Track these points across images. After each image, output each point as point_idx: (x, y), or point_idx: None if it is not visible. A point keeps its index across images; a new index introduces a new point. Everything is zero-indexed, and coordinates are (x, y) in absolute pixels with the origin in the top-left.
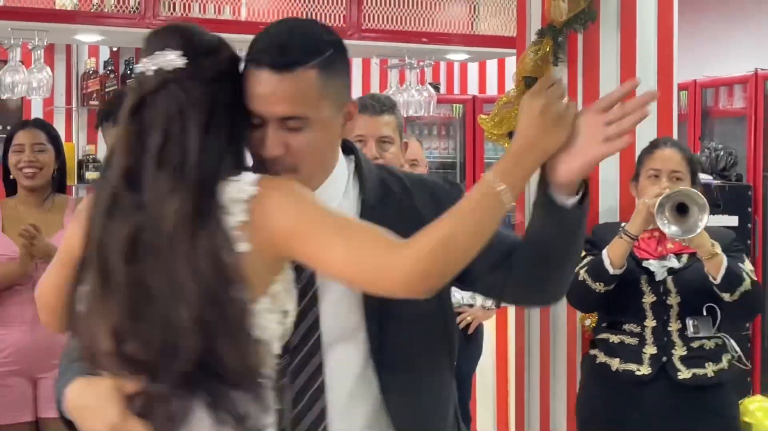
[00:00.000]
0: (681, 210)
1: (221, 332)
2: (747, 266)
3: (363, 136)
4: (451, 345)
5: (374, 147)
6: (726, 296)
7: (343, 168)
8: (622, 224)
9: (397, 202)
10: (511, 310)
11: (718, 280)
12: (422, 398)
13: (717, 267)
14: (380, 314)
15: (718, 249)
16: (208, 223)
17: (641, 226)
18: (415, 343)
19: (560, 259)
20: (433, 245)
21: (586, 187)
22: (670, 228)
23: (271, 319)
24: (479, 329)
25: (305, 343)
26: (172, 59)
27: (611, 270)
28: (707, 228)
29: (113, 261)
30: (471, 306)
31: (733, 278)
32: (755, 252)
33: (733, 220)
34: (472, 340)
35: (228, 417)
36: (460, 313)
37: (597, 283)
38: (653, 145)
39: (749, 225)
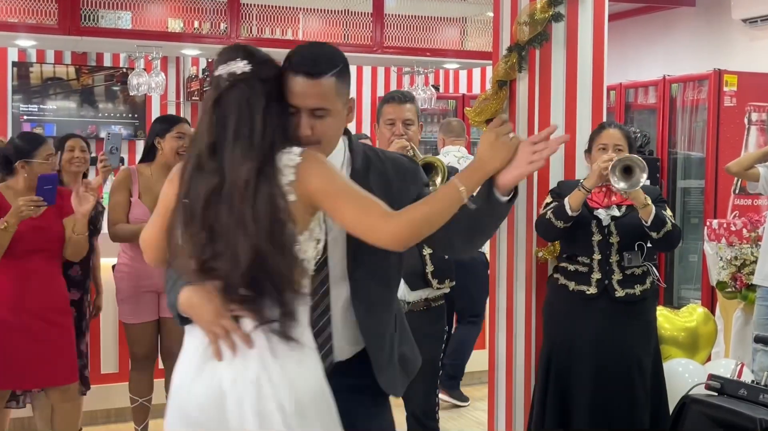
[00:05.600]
0: (627, 171)
1: (274, 251)
2: (668, 213)
3: (392, 119)
4: (398, 280)
5: (401, 127)
6: (654, 234)
7: (341, 144)
8: (580, 180)
9: (374, 169)
10: (487, 248)
11: (649, 223)
12: (378, 318)
13: (648, 214)
14: (355, 264)
15: (649, 201)
16: (268, 180)
17: (594, 183)
18: (377, 282)
19: (482, 233)
20: (415, 219)
21: (516, 191)
22: (619, 185)
23: (309, 245)
24: None
25: (318, 279)
26: (242, 66)
27: (570, 213)
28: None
29: (195, 207)
30: None
31: (659, 222)
32: None
33: (646, 183)
34: None
35: (278, 311)
36: None
37: (558, 221)
38: (601, 127)
39: (657, 186)
